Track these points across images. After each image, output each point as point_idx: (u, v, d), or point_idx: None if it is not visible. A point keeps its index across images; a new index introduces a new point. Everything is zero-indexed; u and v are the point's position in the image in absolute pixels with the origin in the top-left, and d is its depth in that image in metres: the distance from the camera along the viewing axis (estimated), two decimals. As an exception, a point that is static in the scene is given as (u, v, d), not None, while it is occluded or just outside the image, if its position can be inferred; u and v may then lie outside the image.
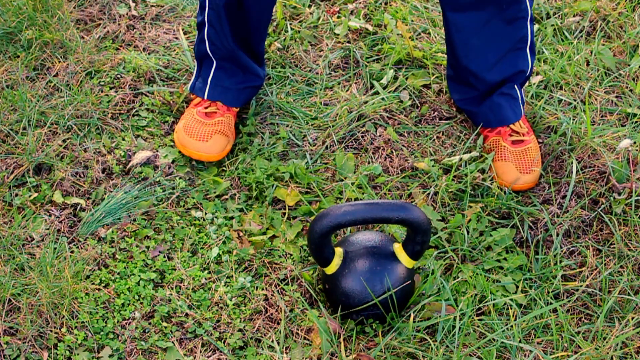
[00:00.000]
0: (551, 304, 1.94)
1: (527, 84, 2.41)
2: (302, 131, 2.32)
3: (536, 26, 2.61)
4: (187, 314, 1.91)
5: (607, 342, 1.85)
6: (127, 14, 2.63)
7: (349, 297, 1.85)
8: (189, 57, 2.49)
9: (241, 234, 2.08)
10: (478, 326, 1.89)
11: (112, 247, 2.03)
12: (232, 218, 2.11)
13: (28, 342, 1.84)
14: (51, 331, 1.86)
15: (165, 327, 1.89)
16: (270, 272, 2.00)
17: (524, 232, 2.09)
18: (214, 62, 2.24)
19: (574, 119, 2.35)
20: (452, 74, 2.29)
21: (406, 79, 2.46)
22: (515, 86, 2.23)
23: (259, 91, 2.35)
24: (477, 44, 2.15)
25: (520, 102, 2.25)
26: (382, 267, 1.84)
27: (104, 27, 2.57)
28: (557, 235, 2.07)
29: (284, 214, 2.12)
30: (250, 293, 1.96)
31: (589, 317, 1.95)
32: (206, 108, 2.24)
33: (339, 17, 2.67)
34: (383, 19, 2.63)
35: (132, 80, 2.41)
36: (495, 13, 2.09)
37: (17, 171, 2.15)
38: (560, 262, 2.03)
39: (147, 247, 2.03)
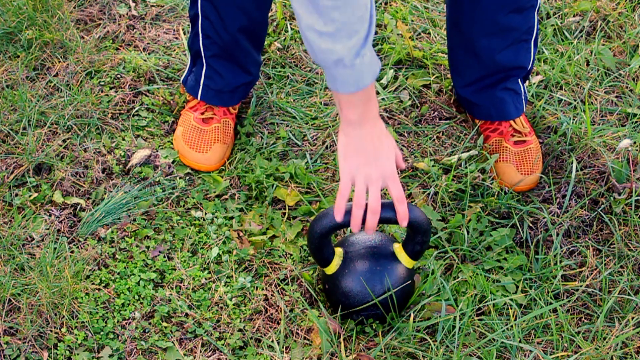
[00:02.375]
0: (551, 304, 1.94)
1: (527, 83, 2.41)
2: (302, 131, 2.32)
3: (536, 26, 2.62)
4: (187, 314, 1.92)
5: (607, 342, 1.85)
6: (127, 14, 2.63)
7: (349, 297, 1.85)
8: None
9: (241, 234, 2.08)
10: (478, 326, 1.89)
11: (112, 247, 2.03)
12: (232, 218, 2.11)
13: (28, 342, 1.84)
14: (51, 331, 1.86)
15: (165, 327, 1.89)
16: (270, 272, 2.00)
17: (523, 232, 2.09)
18: (204, 63, 2.21)
19: (574, 119, 2.35)
20: (453, 53, 2.24)
21: (406, 79, 2.46)
22: (519, 80, 2.23)
23: (254, 86, 2.32)
24: (487, 24, 2.12)
25: (523, 97, 2.25)
26: (382, 267, 1.84)
27: (104, 27, 2.57)
28: (557, 235, 2.08)
29: (284, 214, 2.12)
30: (250, 293, 1.96)
31: (589, 317, 1.95)
32: (202, 114, 2.24)
33: (339, 17, 2.67)
34: (383, 19, 2.63)
35: (132, 80, 2.41)
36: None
37: (17, 171, 2.15)
38: (560, 262, 2.03)
39: (147, 247, 2.03)
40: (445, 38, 2.57)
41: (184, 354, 1.85)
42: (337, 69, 1.57)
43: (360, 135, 1.68)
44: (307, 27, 1.53)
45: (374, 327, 1.89)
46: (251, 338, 1.88)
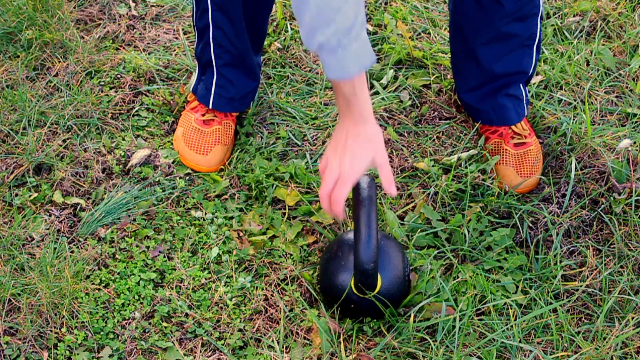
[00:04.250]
0: (551, 304, 1.94)
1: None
2: (302, 131, 2.32)
3: (536, 26, 2.61)
4: (187, 314, 1.92)
5: (607, 342, 1.85)
6: (127, 14, 2.63)
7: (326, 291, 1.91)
8: (189, 57, 2.49)
9: (241, 234, 2.08)
10: (478, 326, 1.89)
11: (112, 247, 2.03)
12: (232, 218, 2.11)
13: (28, 342, 1.84)
14: (51, 331, 1.86)
15: (165, 327, 1.89)
16: (270, 272, 2.00)
17: (523, 232, 2.09)
18: (215, 72, 2.21)
19: (574, 119, 2.35)
20: (456, 58, 2.25)
21: (406, 79, 2.46)
22: (521, 85, 2.22)
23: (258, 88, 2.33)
24: (487, 34, 2.13)
25: (524, 102, 2.25)
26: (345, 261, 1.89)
27: (104, 27, 2.57)
28: (557, 235, 2.08)
29: (284, 214, 2.12)
30: (250, 293, 1.96)
31: (589, 317, 1.95)
32: (203, 115, 2.24)
33: (339, 17, 2.67)
34: (383, 19, 2.63)
35: (132, 80, 2.41)
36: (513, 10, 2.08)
37: (17, 171, 2.15)
38: (560, 262, 2.03)
39: (147, 247, 2.03)
40: (445, 38, 2.58)
41: (184, 354, 1.85)
42: (322, 53, 1.61)
43: (341, 125, 1.70)
44: (296, 14, 1.61)
45: (371, 325, 1.89)
46: (251, 338, 1.88)
